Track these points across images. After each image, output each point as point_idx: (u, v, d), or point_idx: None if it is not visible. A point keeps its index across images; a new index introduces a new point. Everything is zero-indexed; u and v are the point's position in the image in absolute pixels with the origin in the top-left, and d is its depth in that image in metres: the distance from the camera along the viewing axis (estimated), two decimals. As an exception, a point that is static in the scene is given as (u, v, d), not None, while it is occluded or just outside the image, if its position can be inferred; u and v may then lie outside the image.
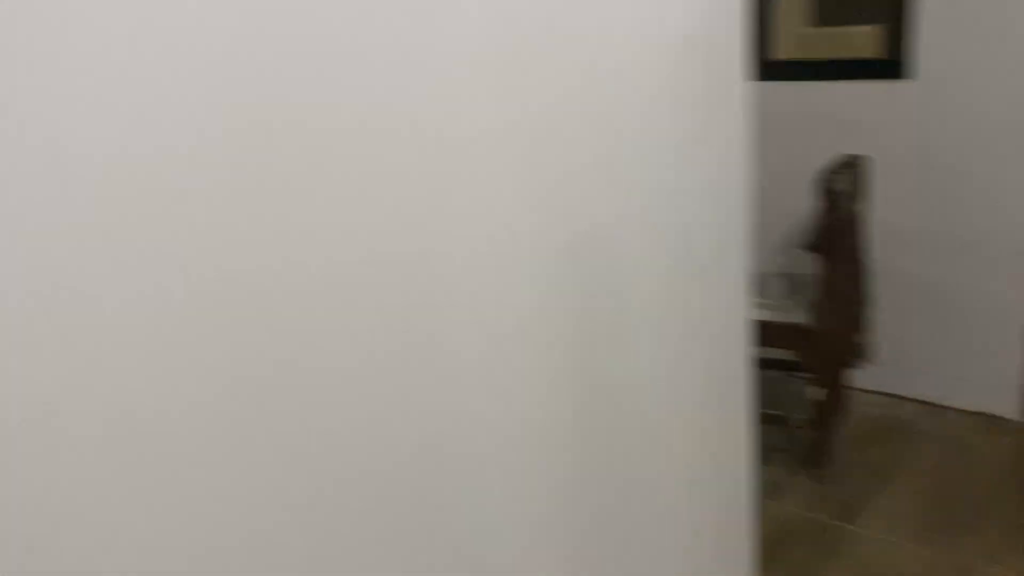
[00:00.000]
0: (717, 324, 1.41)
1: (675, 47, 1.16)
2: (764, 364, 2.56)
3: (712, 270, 1.36)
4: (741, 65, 1.34)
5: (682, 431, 1.33)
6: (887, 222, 2.51)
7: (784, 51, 2.94)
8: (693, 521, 1.39)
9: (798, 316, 2.29)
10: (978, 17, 2.28)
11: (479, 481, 0.89)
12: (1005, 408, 2.52)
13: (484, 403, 0.88)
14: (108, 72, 0.52)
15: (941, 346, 2.57)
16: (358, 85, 0.69)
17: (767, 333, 2.30)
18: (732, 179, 1.38)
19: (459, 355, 0.84)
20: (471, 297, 0.84)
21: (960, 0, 2.30)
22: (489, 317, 0.87)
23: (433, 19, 0.75)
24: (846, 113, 2.57)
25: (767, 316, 2.31)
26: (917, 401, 2.65)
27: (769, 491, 2.33)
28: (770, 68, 2.73)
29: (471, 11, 0.79)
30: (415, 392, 0.78)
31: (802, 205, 2.60)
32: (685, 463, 1.35)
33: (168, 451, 0.58)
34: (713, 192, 1.33)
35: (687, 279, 1.27)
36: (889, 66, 2.48)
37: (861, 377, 2.65)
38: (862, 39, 2.89)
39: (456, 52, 0.78)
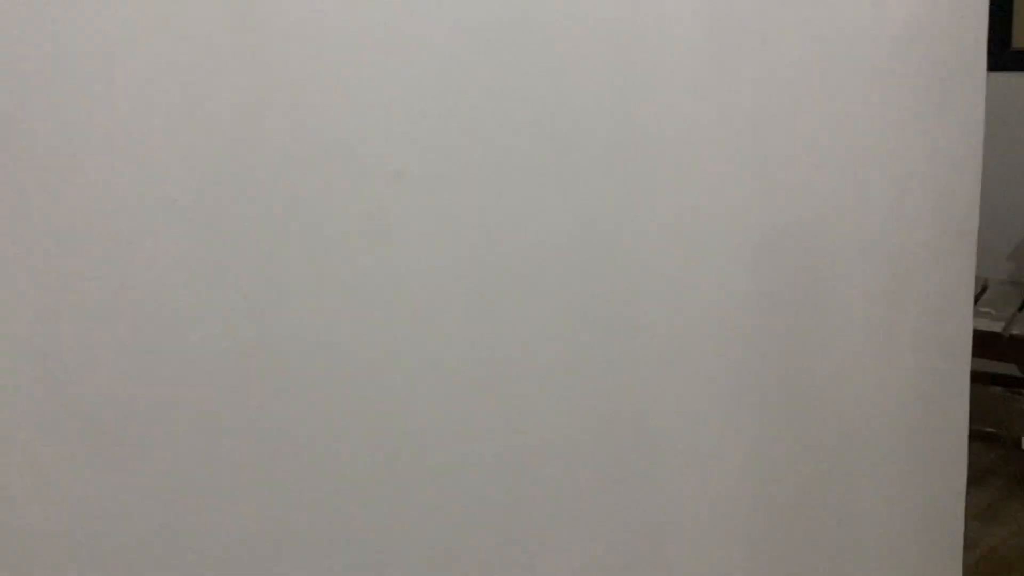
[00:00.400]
0: (933, 332, 1.33)
1: (901, 32, 1.10)
2: (986, 379, 2.38)
3: (932, 274, 1.28)
4: (977, 54, 1.25)
5: (888, 444, 1.27)
6: None
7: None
8: (898, 542, 1.32)
9: (1026, 328, 2.10)
10: None
11: (669, 467, 0.90)
12: None
13: (681, 391, 0.89)
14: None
15: None
16: (566, 78, 0.72)
17: (992, 345, 2.14)
18: (960, 178, 1.29)
19: (657, 344, 0.85)
20: (669, 287, 0.86)
21: None
22: (687, 309, 0.88)
23: (641, 12, 0.77)
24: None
25: (992, 327, 2.14)
26: None
27: (982, 516, 2.16)
28: (1012, 57, 2.50)
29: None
30: (615, 377, 0.81)
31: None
32: (889, 480, 1.28)
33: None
34: (937, 190, 1.25)
35: (906, 278, 1.21)
36: None
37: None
38: None
39: (664, 43, 0.79)
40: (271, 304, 0.56)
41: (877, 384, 1.22)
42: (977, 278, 2.44)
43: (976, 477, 2.28)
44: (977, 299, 2.30)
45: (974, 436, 2.23)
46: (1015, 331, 2.11)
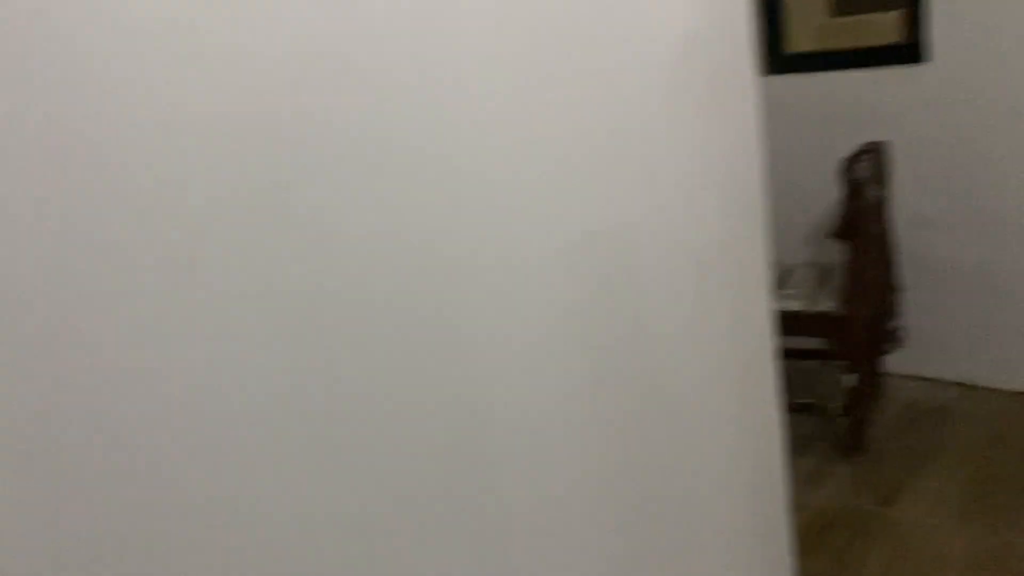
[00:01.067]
0: (741, 316, 1.44)
1: (680, 44, 1.20)
2: (798, 354, 2.59)
3: (733, 263, 1.39)
4: (750, 60, 1.38)
5: (713, 423, 1.36)
6: (911, 206, 2.51)
7: (803, 43, 2.96)
8: (731, 512, 1.42)
9: (828, 304, 2.30)
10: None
11: (508, 477, 0.93)
12: (1046, 386, 2.51)
13: (509, 400, 0.93)
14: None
15: (976, 327, 2.57)
16: (378, 91, 0.75)
17: (799, 323, 2.33)
18: (747, 173, 1.41)
19: (481, 353, 0.88)
20: (490, 295, 0.89)
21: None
22: (508, 314, 0.92)
23: (442, 21, 0.80)
24: (867, 100, 2.58)
25: (798, 306, 2.33)
26: (954, 383, 2.64)
27: (809, 480, 2.35)
28: (789, 60, 2.75)
29: (482, 13, 0.84)
30: (442, 390, 0.84)
31: (828, 195, 2.61)
32: (718, 455, 1.38)
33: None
34: (728, 186, 1.36)
35: (707, 272, 1.31)
36: (908, 50, 2.48)
37: (897, 362, 2.65)
38: (882, 25, 2.89)
39: (469, 55, 0.84)
40: None
41: (696, 371, 1.31)
42: (781, 264, 2.66)
43: (800, 445, 2.47)
44: (783, 283, 2.50)
45: (795, 408, 2.43)
46: (819, 308, 2.31)
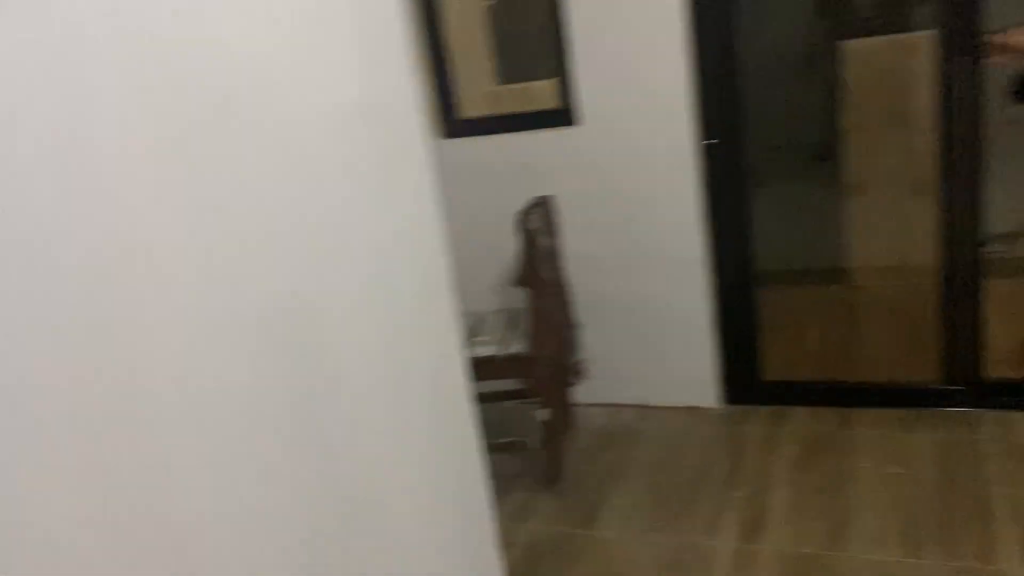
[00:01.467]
0: (435, 366, 1.50)
1: (351, 114, 1.25)
2: (496, 396, 2.73)
3: (421, 317, 1.45)
4: (422, 126, 1.45)
5: (416, 473, 1.40)
6: (579, 251, 2.79)
7: (475, 109, 3.19)
8: (441, 558, 1.46)
9: (518, 347, 2.47)
10: (621, 67, 2.63)
11: (194, 545, 0.89)
12: (707, 399, 2.88)
13: (194, 467, 0.89)
14: None
15: (646, 353, 2.89)
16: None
17: (493, 367, 2.47)
18: (427, 232, 1.48)
19: (161, 420, 0.84)
20: (167, 363, 0.86)
21: (603, 53, 2.64)
22: (191, 385, 0.89)
23: (89, 91, 0.77)
24: (535, 159, 2.83)
25: (490, 351, 2.47)
26: (633, 406, 2.95)
27: (517, 515, 2.47)
28: (465, 125, 2.94)
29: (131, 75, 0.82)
30: (132, 462, 0.78)
31: (510, 246, 2.81)
32: (423, 503, 1.41)
33: None
34: (409, 245, 1.43)
35: (400, 328, 1.35)
36: (563, 114, 2.78)
37: (583, 393, 2.89)
38: (541, 92, 3.21)
39: (128, 123, 0.81)
40: None
41: (395, 425, 1.34)
42: (475, 313, 2.80)
43: (507, 483, 2.60)
44: (477, 331, 2.64)
45: (497, 448, 2.55)
46: (510, 351, 2.46)
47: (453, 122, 2.94)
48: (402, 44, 1.41)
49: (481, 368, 2.37)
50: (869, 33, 3.62)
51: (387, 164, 1.36)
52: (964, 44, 2.35)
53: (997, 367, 2.62)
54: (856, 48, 3.53)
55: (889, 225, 3.49)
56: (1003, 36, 2.23)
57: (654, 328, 2.86)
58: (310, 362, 1.11)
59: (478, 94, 3.41)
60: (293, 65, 1.10)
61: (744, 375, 2.87)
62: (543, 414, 2.47)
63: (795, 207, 3.83)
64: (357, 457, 1.22)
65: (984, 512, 2.16)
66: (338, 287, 1.19)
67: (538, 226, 2.41)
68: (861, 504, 2.27)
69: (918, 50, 3.15)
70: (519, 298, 2.59)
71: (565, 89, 2.75)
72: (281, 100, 1.08)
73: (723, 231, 2.75)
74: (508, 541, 2.29)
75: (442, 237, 1.52)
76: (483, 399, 2.72)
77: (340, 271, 1.19)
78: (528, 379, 2.44)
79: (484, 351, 2.47)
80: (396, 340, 1.34)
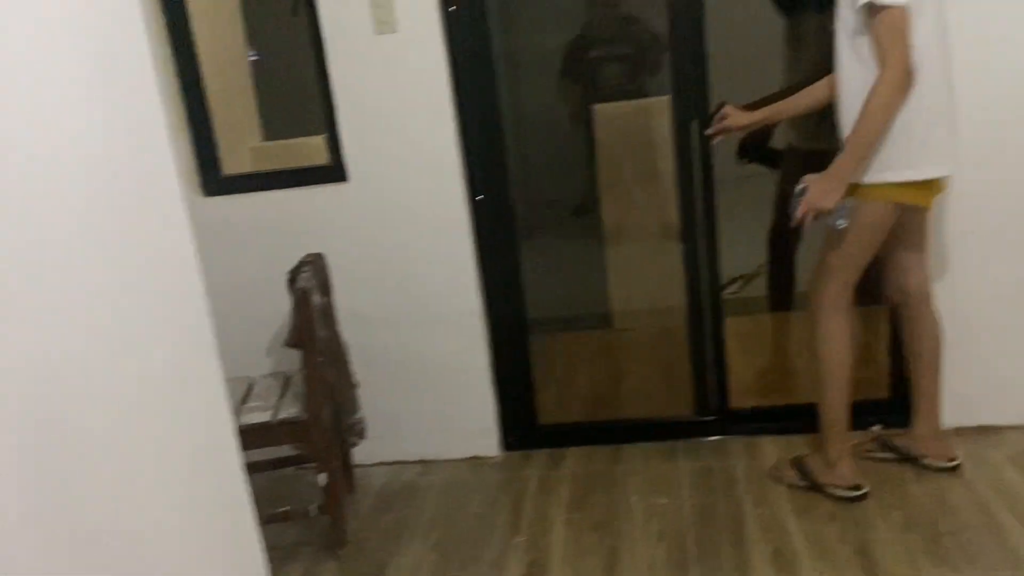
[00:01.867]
0: (199, 438, 1.41)
1: (94, 172, 1.16)
2: (271, 464, 2.62)
3: (180, 386, 1.37)
4: (175, 184, 1.38)
5: (183, 552, 1.30)
6: (354, 308, 2.76)
7: (240, 165, 3.09)
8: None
9: (292, 411, 2.39)
10: (389, 123, 2.67)
11: None
12: (488, 448, 2.93)
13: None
14: None
15: (426, 408, 2.90)
16: None
17: (267, 434, 2.36)
18: (184, 295, 1.41)
19: None
20: None
21: (370, 109, 2.66)
22: None
23: None
24: (305, 216, 2.78)
25: (264, 418, 2.37)
26: (415, 462, 2.94)
27: (299, 587, 2.36)
28: (229, 182, 2.83)
29: None
30: None
31: (281, 305, 2.73)
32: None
33: None
34: (163, 310, 1.34)
35: (152, 399, 1.26)
36: (333, 171, 2.76)
37: (363, 453, 2.84)
38: (309, 148, 3.17)
39: None
40: None
41: (158, 503, 1.25)
42: (245, 378, 2.68)
43: (287, 552, 2.49)
44: (248, 396, 2.52)
45: (277, 518, 2.43)
46: (282, 416, 2.37)
47: (216, 179, 2.82)
48: (153, 98, 1.34)
49: (254, 436, 2.27)
50: (617, 98, 3.94)
51: (135, 224, 1.27)
52: (695, 109, 2.62)
53: (741, 397, 2.90)
54: (606, 111, 3.83)
55: (643, 272, 3.78)
56: (721, 115, 2.53)
57: (433, 382, 2.87)
58: (57, 441, 1.01)
59: (243, 150, 3.31)
60: (22, 123, 1.02)
61: (522, 421, 2.96)
62: (322, 479, 2.39)
63: (561, 258, 4.05)
64: (117, 539, 1.12)
65: (739, 531, 2.36)
66: (84, 360, 1.09)
67: (310, 284, 2.36)
68: (633, 536, 2.40)
69: (658, 113, 3.48)
70: (293, 360, 2.51)
71: (334, 145, 2.74)
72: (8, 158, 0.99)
73: (495, 283, 2.84)
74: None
75: (202, 300, 1.45)
76: (257, 467, 2.59)
77: (86, 343, 1.10)
78: (305, 444, 2.36)
79: (256, 418, 2.36)
80: (152, 412, 1.25)
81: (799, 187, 2.20)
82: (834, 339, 2.34)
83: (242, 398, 2.50)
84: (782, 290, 3.10)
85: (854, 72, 2.14)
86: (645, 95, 3.87)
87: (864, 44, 2.09)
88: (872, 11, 2.03)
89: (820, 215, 2.17)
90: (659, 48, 3.68)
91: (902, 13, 2.02)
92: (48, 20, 1.09)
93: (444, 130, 2.66)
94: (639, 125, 3.73)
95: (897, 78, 2.03)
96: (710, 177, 2.68)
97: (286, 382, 2.59)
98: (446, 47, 2.60)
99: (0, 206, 0.96)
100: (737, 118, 2.52)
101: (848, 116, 2.16)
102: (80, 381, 1.08)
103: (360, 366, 2.75)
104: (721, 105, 2.55)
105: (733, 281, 3.62)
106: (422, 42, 2.58)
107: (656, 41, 3.76)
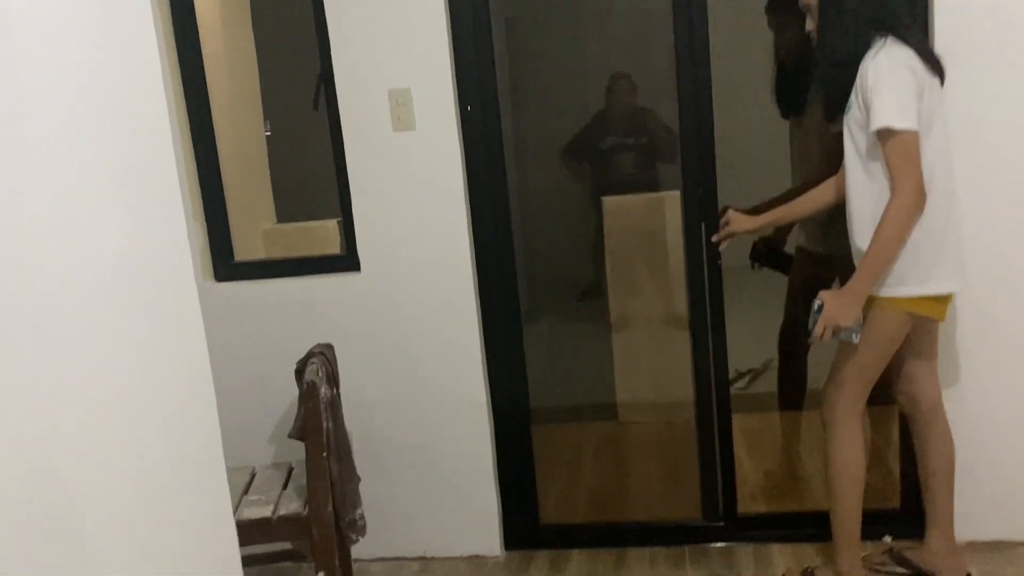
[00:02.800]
0: (198, 533, 1.38)
1: (114, 263, 1.16)
2: (269, 558, 2.55)
3: (184, 481, 1.34)
4: (191, 275, 1.38)
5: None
6: (357, 398, 2.72)
7: (251, 251, 3.10)
8: None
9: (293, 506, 2.34)
10: (402, 213, 2.69)
11: None
12: (489, 546, 2.86)
13: None
14: None
15: (428, 503, 2.84)
16: None
17: (267, 530, 2.31)
18: (196, 381, 1.39)
19: None
20: None
21: (384, 198, 2.69)
22: None
23: None
24: (315, 304, 2.78)
25: (264, 513, 2.32)
26: (415, 559, 2.86)
27: None
28: (241, 268, 2.84)
29: None
30: None
31: (287, 395, 2.71)
32: None
33: None
34: (179, 393, 1.33)
35: (158, 490, 1.24)
36: (345, 260, 2.77)
37: (362, 548, 2.77)
38: (321, 232, 3.19)
39: None
40: None
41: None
42: (247, 468, 2.64)
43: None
44: (248, 487, 2.48)
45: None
46: (283, 512, 2.32)
47: (228, 265, 2.83)
48: (174, 193, 1.35)
49: (254, 531, 2.22)
50: (628, 187, 3.99)
51: (155, 313, 1.27)
52: (704, 205, 2.64)
53: (750, 502, 2.85)
54: (615, 203, 3.87)
55: (649, 363, 3.76)
56: (725, 219, 2.56)
57: (435, 476, 2.82)
58: (55, 527, 0.99)
59: (256, 232, 3.33)
60: (47, 219, 1.02)
61: (524, 520, 2.89)
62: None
63: (566, 343, 4.04)
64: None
65: (747, 646, 2.28)
66: (88, 453, 1.07)
67: (319, 377, 2.34)
68: (638, 648, 2.32)
69: (667, 207, 3.51)
70: (295, 449, 2.47)
71: (348, 235, 2.75)
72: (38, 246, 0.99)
73: (501, 375, 2.82)
74: None
75: (210, 391, 1.43)
76: (255, 560, 2.53)
77: (91, 434, 1.08)
78: (304, 541, 2.31)
79: (257, 513, 2.31)
80: (153, 502, 1.22)
81: (816, 303, 2.20)
82: (848, 448, 2.31)
83: (244, 489, 2.46)
84: (793, 390, 3.07)
85: (864, 187, 2.16)
86: (656, 186, 3.92)
87: (874, 161, 2.13)
88: (884, 134, 2.07)
89: (837, 331, 2.18)
90: (672, 140, 3.73)
91: (913, 137, 2.05)
92: (74, 113, 1.11)
93: (457, 224, 2.68)
94: (647, 218, 3.77)
95: (911, 201, 2.06)
96: (718, 271, 2.69)
97: (288, 473, 2.55)
98: (461, 144, 2.64)
99: (11, 287, 0.96)
100: (741, 222, 2.54)
101: (859, 227, 2.18)
102: (80, 465, 1.06)
103: (362, 457, 2.70)
104: (725, 210, 2.57)
105: (740, 376, 3.60)
106: (439, 139, 2.62)
107: (669, 133, 3.82)
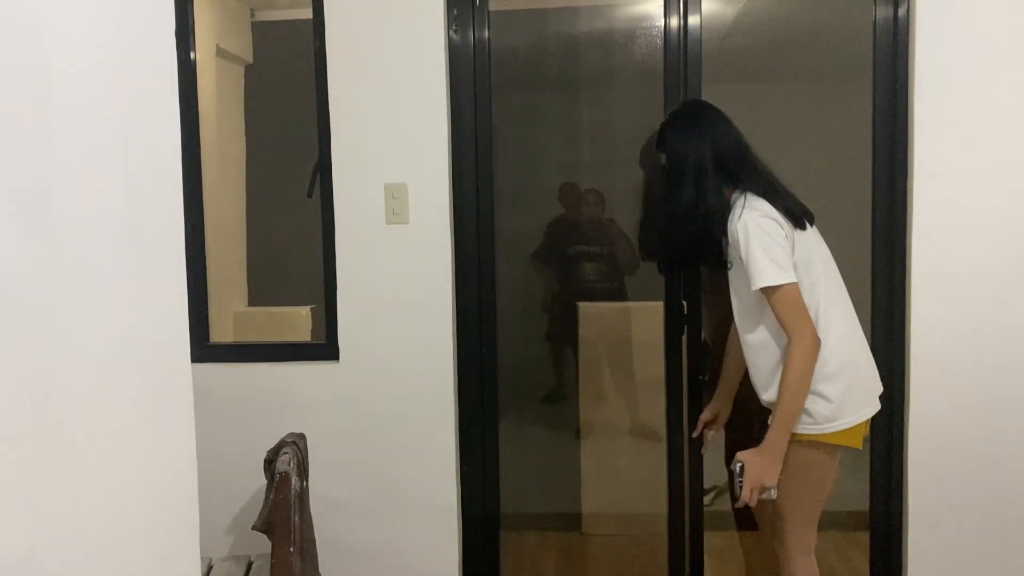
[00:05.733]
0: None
1: (116, 342, 1.13)
2: (219, 661, 2.39)
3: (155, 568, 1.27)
4: (185, 355, 1.35)
5: None
6: (324, 493, 2.63)
7: (225, 333, 3.04)
8: None
9: (252, 603, 2.22)
10: (386, 308, 2.68)
11: None
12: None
13: None
14: None
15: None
16: None
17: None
18: (179, 466, 1.34)
19: None
20: None
21: (369, 293, 2.67)
22: None
23: None
24: (289, 392, 2.71)
25: (220, 609, 2.20)
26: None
27: None
28: (214, 350, 2.78)
29: None
30: None
31: (252, 485, 2.61)
32: None
33: None
34: (156, 491, 1.27)
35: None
36: (324, 349, 2.72)
37: (318, 654, 2.62)
38: (293, 319, 3.15)
39: None
40: None
41: None
42: (204, 559, 2.51)
43: None
44: (205, 582, 2.35)
45: None
46: (241, 609, 2.20)
47: (202, 346, 2.77)
48: (179, 258, 1.34)
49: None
50: (603, 298, 4.02)
51: (151, 394, 1.23)
52: (686, 316, 2.67)
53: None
54: (590, 309, 3.90)
55: (617, 474, 3.71)
56: (700, 420, 2.60)
57: (399, 578, 2.72)
58: None
59: (228, 314, 3.27)
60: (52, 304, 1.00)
61: (488, 634, 2.78)
62: None
63: (534, 447, 3.97)
64: None
65: None
66: (72, 547, 1.01)
67: (289, 467, 2.27)
68: None
69: (646, 316, 3.54)
70: (255, 542, 2.37)
71: (330, 324, 2.72)
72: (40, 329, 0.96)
73: (473, 478, 2.76)
74: None
75: (193, 481, 1.38)
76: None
77: (77, 528, 1.02)
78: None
79: (214, 609, 2.19)
80: None
81: (736, 465, 2.17)
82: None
83: (198, 583, 2.33)
84: (744, 512, 3.03)
85: (756, 340, 2.21)
86: (624, 296, 3.96)
87: (762, 311, 2.18)
88: (767, 291, 2.11)
89: (762, 491, 2.16)
90: (632, 252, 3.75)
91: (792, 288, 2.10)
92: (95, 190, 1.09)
93: (441, 321, 2.67)
94: (624, 326, 3.79)
95: (806, 348, 2.09)
96: (698, 385, 2.70)
97: (248, 567, 2.43)
98: (452, 242, 2.67)
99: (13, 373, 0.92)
100: (707, 415, 2.61)
101: (761, 383, 2.23)
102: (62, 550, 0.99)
103: (325, 554, 2.59)
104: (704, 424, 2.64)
105: (706, 492, 3.56)
106: (431, 236, 2.64)
107: (630, 244, 3.88)
